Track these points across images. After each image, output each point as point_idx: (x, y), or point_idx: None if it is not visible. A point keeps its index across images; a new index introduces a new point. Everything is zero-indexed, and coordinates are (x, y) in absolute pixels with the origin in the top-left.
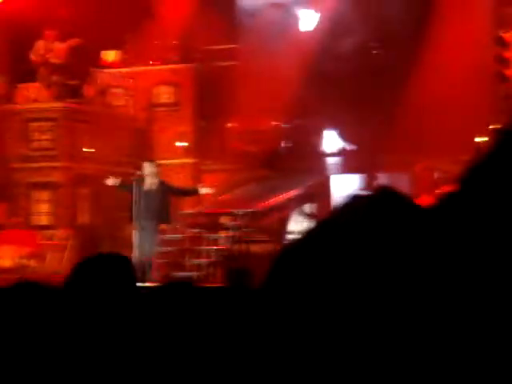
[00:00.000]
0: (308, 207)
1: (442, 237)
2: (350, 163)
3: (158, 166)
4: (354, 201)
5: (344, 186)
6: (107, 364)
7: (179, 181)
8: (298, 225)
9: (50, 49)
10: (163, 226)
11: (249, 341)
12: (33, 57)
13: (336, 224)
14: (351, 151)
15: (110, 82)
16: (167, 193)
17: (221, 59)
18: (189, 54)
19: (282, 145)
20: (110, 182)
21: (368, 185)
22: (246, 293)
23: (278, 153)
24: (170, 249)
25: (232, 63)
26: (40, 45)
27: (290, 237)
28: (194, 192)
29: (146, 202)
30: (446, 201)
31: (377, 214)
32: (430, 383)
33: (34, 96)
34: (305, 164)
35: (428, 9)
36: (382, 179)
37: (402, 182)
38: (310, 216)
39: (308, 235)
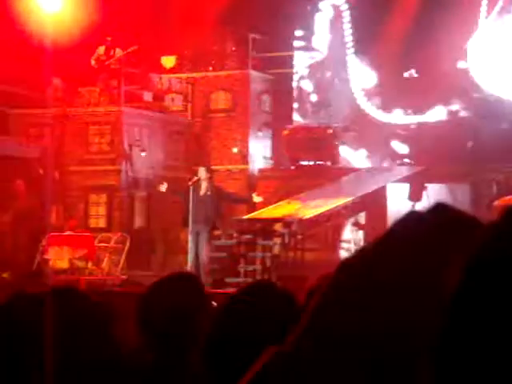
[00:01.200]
0: (362, 216)
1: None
2: (404, 173)
3: (213, 171)
4: (412, 216)
5: (397, 196)
6: None
7: (235, 187)
8: (351, 234)
9: (111, 55)
10: (217, 232)
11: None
12: (93, 62)
13: (395, 239)
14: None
15: (168, 88)
16: (221, 199)
17: (278, 67)
18: (246, 61)
19: (337, 152)
20: (163, 187)
21: (416, 195)
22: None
23: (332, 160)
24: (223, 254)
25: (289, 70)
26: (100, 50)
27: (343, 245)
28: (246, 201)
29: (201, 206)
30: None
31: (436, 231)
32: None
33: (93, 100)
34: (359, 172)
35: None
36: (435, 190)
37: (457, 193)
38: (362, 226)
39: (367, 249)
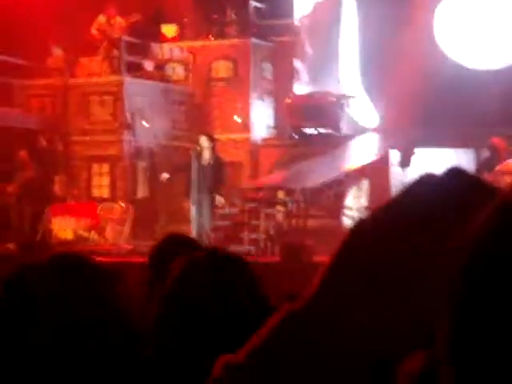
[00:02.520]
0: (365, 183)
1: None
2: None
3: (215, 140)
4: (426, 180)
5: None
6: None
7: (237, 156)
8: (355, 201)
9: (111, 24)
10: (220, 200)
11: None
12: (94, 31)
13: (408, 204)
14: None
15: (169, 57)
16: (223, 167)
17: (279, 34)
18: (248, 29)
19: (339, 120)
20: (164, 177)
21: (404, 161)
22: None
23: (335, 128)
24: (227, 223)
25: (290, 39)
26: (101, 20)
27: (347, 212)
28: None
29: (203, 176)
30: None
31: (451, 195)
32: None
33: (94, 70)
34: (361, 139)
35: None
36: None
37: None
38: (365, 192)
39: (379, 214)
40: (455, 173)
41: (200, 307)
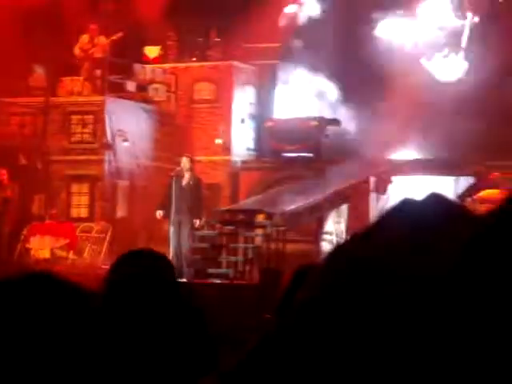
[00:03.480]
0: (345, 208)
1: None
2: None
3: (196, 162)
4: (405, 205)
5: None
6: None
7: (217, 178)
8: (333, 225)
9: (94, 43)
10: (198, 222)
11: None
12: (77, 51)
13: (388, 228)
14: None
15: (151, 78)
16: (202, 189)
17: (261, 58)
18: (230, 52)
19: (320, 145)
20: (159, 214)
21: (381, 188)
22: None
23: (315, 153)
24: (205, 245)
25: (272, 62)
26: (84, 39)
27: (326, 237)
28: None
29: (183, 197)
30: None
31: (430, 220)
32: None
33: (76, 89)
34: (342, 165)
35: None
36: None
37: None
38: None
39: (358, 240)
40: (435, 198)
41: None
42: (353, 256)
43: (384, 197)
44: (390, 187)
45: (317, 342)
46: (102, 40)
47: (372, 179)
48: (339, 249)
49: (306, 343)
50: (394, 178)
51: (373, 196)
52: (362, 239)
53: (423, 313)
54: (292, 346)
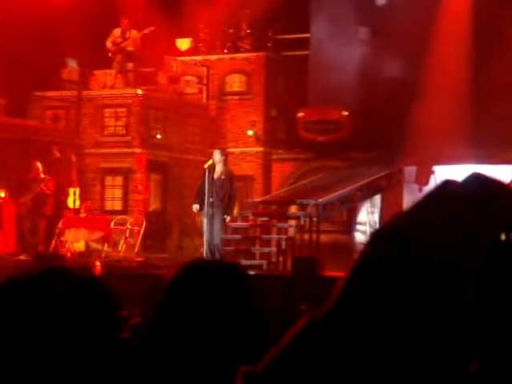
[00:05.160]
0: (378, 198)
1: None
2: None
3: (228, 154)
4: (447, 186)
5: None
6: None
7: (250, 169)
8: (366, 216)
9: (126, 37)
10: (228, 218)
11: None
12: (109, 44)
13: (429, 211)
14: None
15: (183, 70)
16: (235, 181)
17: (293, 49)
18: (261, 43)
19: (352, 134)
20: (195, 208)
21: (422, 179)
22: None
23: (347, 143)
24: (239, 236)
25: (304, 53)
26: (116, 33)
27: (359, 227)
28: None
29: (216, 189)
30: None
31: (471, 200)
32: None
33: (108, 82)
34: (374, 155)
35: None
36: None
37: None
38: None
39: (398, 223)
40: (476, 178)
41: (190, 316)
42: (393, 231)
43: (417, 186)
44: (432, 178)
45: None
46: (134, 34)
47: (409, 169)
48: (372, 238)
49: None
50: (436, 168)
51: (407, 185)
52: (393, 227)
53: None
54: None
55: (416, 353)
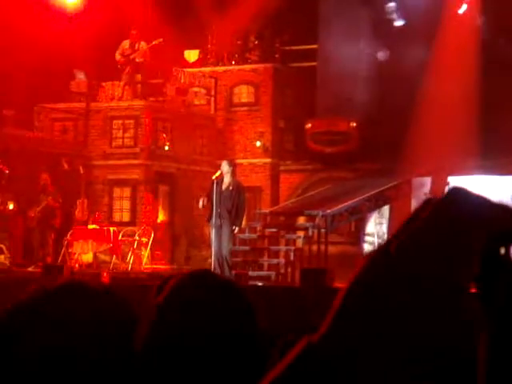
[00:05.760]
0: (386, 209)
1: None
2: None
3: (235, 165)
4: (426, 204)
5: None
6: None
7: (258, 180)
8: (375, 227)
9: (135, 48)
10: (237, 229)
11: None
12: (118, 56)
13: (434, 225)
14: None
15: (191, 82)
16: (243, 192)
17: (300, 60)
18: (269, 54)
19: (360, 146)
20: (203, 201)
21: (437, 189)
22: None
23: (355, 154)
24: (247, 248)
25: (312, 64)
26: (125, 44)
27: (368, 238)
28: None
29: (224, 200)
30: None
31: (445, 215)
32: None
33: (117, 94)
34: (382, 166)
35: None
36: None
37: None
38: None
39: (402, 234)
40: (458, 192)
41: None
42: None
43: (425, 197)
44: (447, 189)
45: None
46: (143, 45)
47: (417, 180)
48: (374, 252)
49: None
50: (451, 179)
51: (415, 196)
52: (397, 238)
53: None
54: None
55: (419, 372)
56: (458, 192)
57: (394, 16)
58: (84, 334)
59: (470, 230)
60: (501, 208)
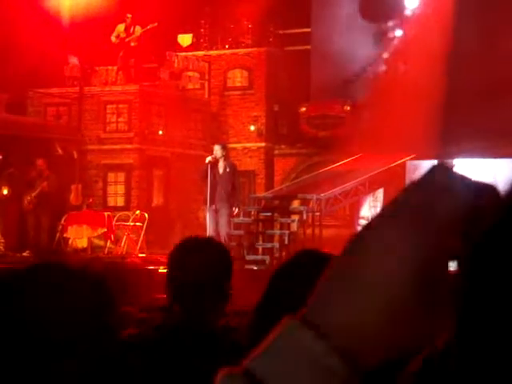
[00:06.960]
0: (381, 193)
1: None
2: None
3: (230, 149)
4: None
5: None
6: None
7: (252, 164)
8: (369, 210)
9: (130, 32)
10: (237, 210)
11: None
12: (113, 39)
13: (414, 201)
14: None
15: (184, 66)
16: (238, 176)
17: (294, 43)
18: (263, 38)
19: (354, 129)
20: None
21: None
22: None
23: (349, 137)
24: (242, 232)
25: (306, 47)
26: (121, 28)
27: (361, 222)
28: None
29: (219, 184)
30: None
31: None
32: None
33: (110, 79)
34: (376, 149)
35: None
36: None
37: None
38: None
39: (384, 212)
40: (440, 168)
41: None
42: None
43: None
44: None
45: None
46: (138, 29)
47: (411, 163)
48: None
49: None
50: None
51: (409, 178)
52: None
53: None
54: None
55: None
56: (437, 169)
57: None
58: (56, 308)
59: (445, 202)
60: (483, 185)
